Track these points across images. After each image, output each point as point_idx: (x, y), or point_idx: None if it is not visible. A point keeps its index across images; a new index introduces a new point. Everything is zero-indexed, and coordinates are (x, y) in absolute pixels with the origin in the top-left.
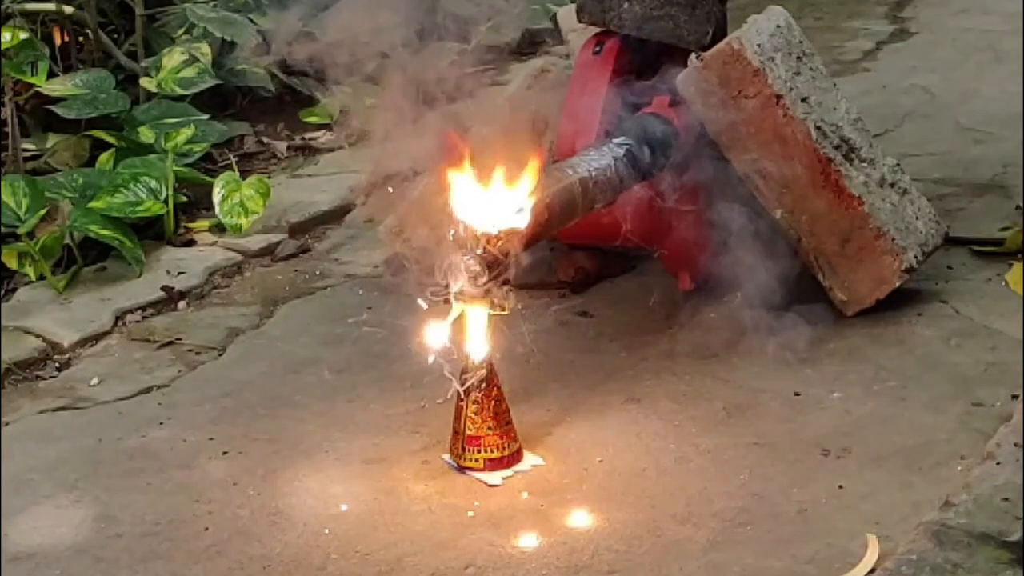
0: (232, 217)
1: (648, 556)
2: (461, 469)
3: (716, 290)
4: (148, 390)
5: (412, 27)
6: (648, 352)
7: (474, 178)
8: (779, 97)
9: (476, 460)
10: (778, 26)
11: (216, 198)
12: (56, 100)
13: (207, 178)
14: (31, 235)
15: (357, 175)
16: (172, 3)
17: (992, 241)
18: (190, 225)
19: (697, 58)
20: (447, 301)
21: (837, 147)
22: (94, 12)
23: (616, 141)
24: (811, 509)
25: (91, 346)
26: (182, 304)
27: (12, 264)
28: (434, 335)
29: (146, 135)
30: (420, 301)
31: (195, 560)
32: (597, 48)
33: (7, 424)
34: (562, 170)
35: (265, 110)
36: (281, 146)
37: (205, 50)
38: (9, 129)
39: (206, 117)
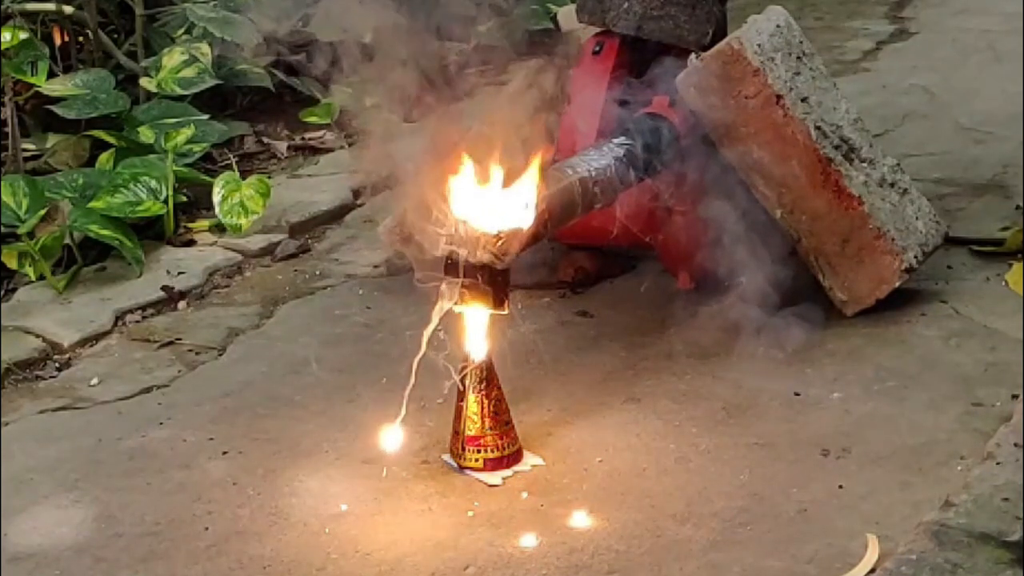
0: (232, 217)
1: (648, 556)
2: (461, 469)
3: (716, 290)
4: (148, 390)
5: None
6: (648, 352)
7: (474, 179)
8: (779, 97)
9: (476, 460)
10: (778, 26)
11: (216, 198)
12: (56, 100)
13: (207, 178)
14: (31, 235)
15: (357, 175)
16: (172, 3)
17: (992, 241)
18: (190, 225)
19: (697, 58)
20: (448, 271)
21: (837, 147)
22: (94, 12)
23: (616, 141)
24: (811, 509)
25: (91, 346)
26: (182, 304)
27: (12, 264)
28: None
29: (146, 135)
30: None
31: (195, 560)
32: (597, 48)
33: (7, 424)
34: (562, 170)
35: (265, 110)
36: (281, 146)
37: (205, 50)
38: (9, 129)
39: (206, 117)
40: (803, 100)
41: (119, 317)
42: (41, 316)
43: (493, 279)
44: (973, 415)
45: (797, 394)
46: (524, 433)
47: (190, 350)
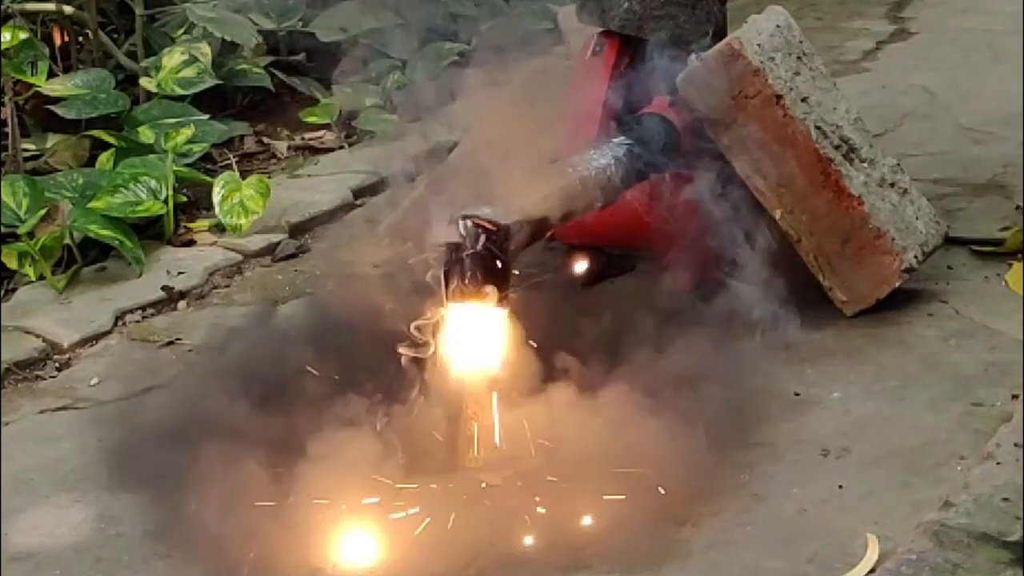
0: (232, 217)
1: (648, 556)
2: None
3: (715, 290)
4: (148, 390)
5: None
6: (647, 352)
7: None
8: (779, 97)
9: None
10: (778, 26)
11: (216, 198)
12: (56, 100)
13: (207, 178)
14: (31, 235)
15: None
16: (172, 3)
17: (992, 241)
18: (190, 225)
19: (697, 58)
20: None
21: (837, 147)
22: (94, 12)
23: (616, 141)
24: (811, 509)
25: (91, 346)
26: (182, 304)
27: (12, 264)
28: None
29: (146, 135)
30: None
31: (195, 560)
32: (597, 48)
33: (7, 424)
34: (562, 169)
35: (265, 110)
36: (281, 146)
37: (205, 50)
38: (9, 129)
39: (206, 117)
40: (803, 100)
41: (119, 317)
42: (41, 316)
43: (492, 273)
44: (973, 415)
45: (797, 394)
46: None
47: (190, 350)
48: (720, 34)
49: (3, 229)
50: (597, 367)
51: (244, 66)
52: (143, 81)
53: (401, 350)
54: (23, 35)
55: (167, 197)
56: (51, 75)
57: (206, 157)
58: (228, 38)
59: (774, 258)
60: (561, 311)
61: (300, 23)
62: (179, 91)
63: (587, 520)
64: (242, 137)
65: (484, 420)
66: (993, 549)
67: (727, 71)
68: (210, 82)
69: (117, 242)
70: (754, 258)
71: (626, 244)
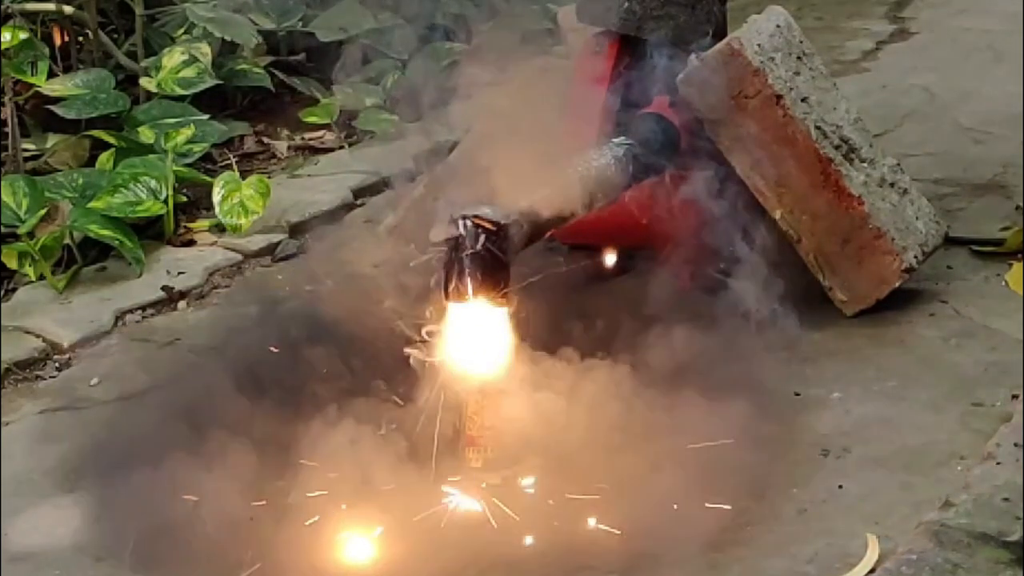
0: (232, 217)
1: (648, 556)
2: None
3: (715, 290)
4: (148, 390)
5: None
6: (647, 352)
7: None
8: (779, 97)
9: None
10: (778, 26)
11: (216, 198)
12: (56, 100)
13: (207, 178)
14: (31, 235)
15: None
16: (172, 3)
17: (992, 241)
18: (190, 225)
19: (697, 58)
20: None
21: (837, 147)
22: (94, 12)
23: (616, 141)
24: (811, 509)
25: (91, 346)
26: (182, 304)
27: (12, 264)
28: None
29: (146, 135)
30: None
31: (195, 560)
32: (597, 48)
33: (7, 424)
34: (562, 169)
35: (265, 110)
36: (281, 146)
37: (205, 50)
38: (9, 129)
39: (206, 117)
40: (803, 100)
41: (119, 317)
42: (41, 316)
43: (492, 272)
44: (973, 415)
45: (797, 394)
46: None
47: (190, 350)
48: (720, 34)
49: (3, 229)
50: (595, 367)
51: (244, 66)
52: (143, 81)
53: (408, 351)
54: (23, 35)
55: (167, 197)
56: (51, 75)
57: (206, 157)
58: (228, 38)
59: (774, 258)
60: (559, 311)
61: (300, 23)
62: (179, 91)
63: (586, 520)
64: (242, 137)
65: (484, 420)
66: (993, 549)
67: (727, 71)
68: (210, 82)
69: (117, 242)
70: (754, 258)
71: (625, 244)
